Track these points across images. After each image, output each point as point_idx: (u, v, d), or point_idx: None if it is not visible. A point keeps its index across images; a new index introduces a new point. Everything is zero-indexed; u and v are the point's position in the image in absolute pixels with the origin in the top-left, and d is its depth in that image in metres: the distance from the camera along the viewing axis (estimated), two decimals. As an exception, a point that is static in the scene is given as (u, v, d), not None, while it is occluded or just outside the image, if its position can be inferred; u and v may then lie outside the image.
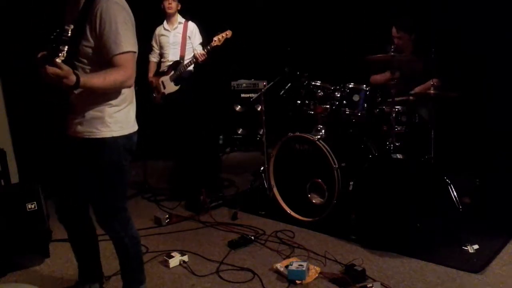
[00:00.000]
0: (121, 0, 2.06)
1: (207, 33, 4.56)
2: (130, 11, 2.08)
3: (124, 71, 2.01)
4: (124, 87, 2.09)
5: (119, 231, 2.25)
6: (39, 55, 1.98)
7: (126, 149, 2.17)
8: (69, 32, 1.87)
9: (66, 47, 1.85)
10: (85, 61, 2.05)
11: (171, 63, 4.57)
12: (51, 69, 1.82)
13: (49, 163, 2.67)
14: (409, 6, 4.22)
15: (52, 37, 1.89)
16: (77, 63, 2.04)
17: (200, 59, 4.34)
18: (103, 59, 2.01)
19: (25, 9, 4.08)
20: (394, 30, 3.75)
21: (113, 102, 2.10)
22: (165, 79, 4.57)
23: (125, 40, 2.00)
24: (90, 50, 2.02)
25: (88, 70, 2.05)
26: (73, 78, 1.87)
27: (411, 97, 3.51)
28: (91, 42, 2.01)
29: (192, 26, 4.60)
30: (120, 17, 1.99)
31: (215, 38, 4.26)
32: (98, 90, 2.01)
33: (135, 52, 2.08)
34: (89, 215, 2.37)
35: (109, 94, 2.08)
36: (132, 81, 2.08)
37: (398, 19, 3.80)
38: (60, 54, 1.83)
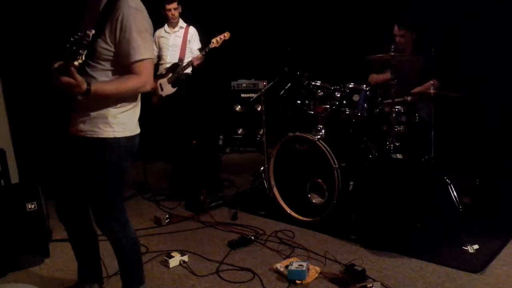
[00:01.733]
0: (141, 6, 2.09)
1: (207, 33, 4.57)
2: (148, 17, 2.11)
3: (141, 78, 2.06)
4: (141, 92, 2.15)
5: (117, 232, 2.25)
6: (56, 65, 1.99)
7: (127, 151, 2.17)
8: (91, 37, 1.89)
9: (86, 51, 1.89)
10: (104, 63, 2.07)
11: (169, 65, 4.58)
12: (64, 79, 1.87)
13: (50, 161, 2.67)
14: (410, 5, 4.23)
15: (72, 39, 1.90)
16: (95, 64, 2.06)
17: (195, 63, 4.36)
18: (118, 62, 2.05)
19: (26, 9, 4.08)
20: (396, 28, 3.74)
21: (118, 103, 2.11)
22: (163, 81, 4.57)
23: (143, 47, 2.03)
24: (110, 53, 2.05)
25: (110, 73, 2.08)
26: (84, 86, 1.91)
27: (409, 98, 3.51)
28: (111, 45, 2.03)
29: (192, 31, 4.63)
30: (140, 24, 2.03)
31: (213, 40, 4.27)
32: (111, 97, 2.06)
33: (153, 58, 2.14)
34: (89, 215, 2.37)
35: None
36: (149, 86, 2.12)
37: (400, 17, 3.78)
38: (78, 58, 1.86)
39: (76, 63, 1.85)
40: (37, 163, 4.07)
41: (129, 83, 2.05)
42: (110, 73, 2.08)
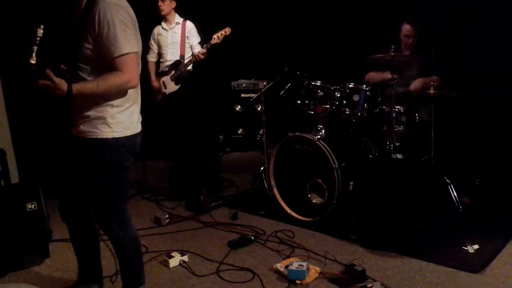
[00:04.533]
0: (120, 0, 2.04)
1: (208, 33, 4.56)
2: (130, 10, 2.07)
3: (124, 74, 2.01)
4: (126, 89, 2.09)
5: (118, 232, 2.25)
6: (32, 68, 1.99)
7: (128, 150, 2.16)
8: (38, 33, 1.90)
9: (36, 47, 1.90)
10: (93, 64, 2.05)
11: (170, 62, 4.57)
12: (42, 82, 1.89)
13: (51, 161, 2.67)
14: (410, 4, 4.22)
15: (27, 37, 1.91)
16: (85, 66, 2.05)
17: (199, 58, 4.33)
18: (104, 61, 2.01)
19: (26, 9, 4.08)
20: (408, 27, 3.69)
21: (114, 102, 2.09)
22: (166, 79, 4.57)
23: (124, 41, 1.99)
24: (90, 52, 2.02)
25: (89, 71, 2.05)
26: (64, 87, 1.91)
27: (412, 90, 3.49)
28: (91, 43, 2.01)
29: (190, 25, 4.61)
30: (118, 18, 1.98)
31: (214, 36, 4.26)
32: (96, 95, 2.02)
33: (136, 52, 2.07)
34: (91, 215, 2.37)
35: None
36: (135, 81, 2.07)
37: (411, 15, 3.73)
38: (31, 55, 1.88)
39: (32, 61, 1.87)
40: (37, 163, 4.07)
41: (110, 80, 2.00)
42: (101, 74, 2.04)
